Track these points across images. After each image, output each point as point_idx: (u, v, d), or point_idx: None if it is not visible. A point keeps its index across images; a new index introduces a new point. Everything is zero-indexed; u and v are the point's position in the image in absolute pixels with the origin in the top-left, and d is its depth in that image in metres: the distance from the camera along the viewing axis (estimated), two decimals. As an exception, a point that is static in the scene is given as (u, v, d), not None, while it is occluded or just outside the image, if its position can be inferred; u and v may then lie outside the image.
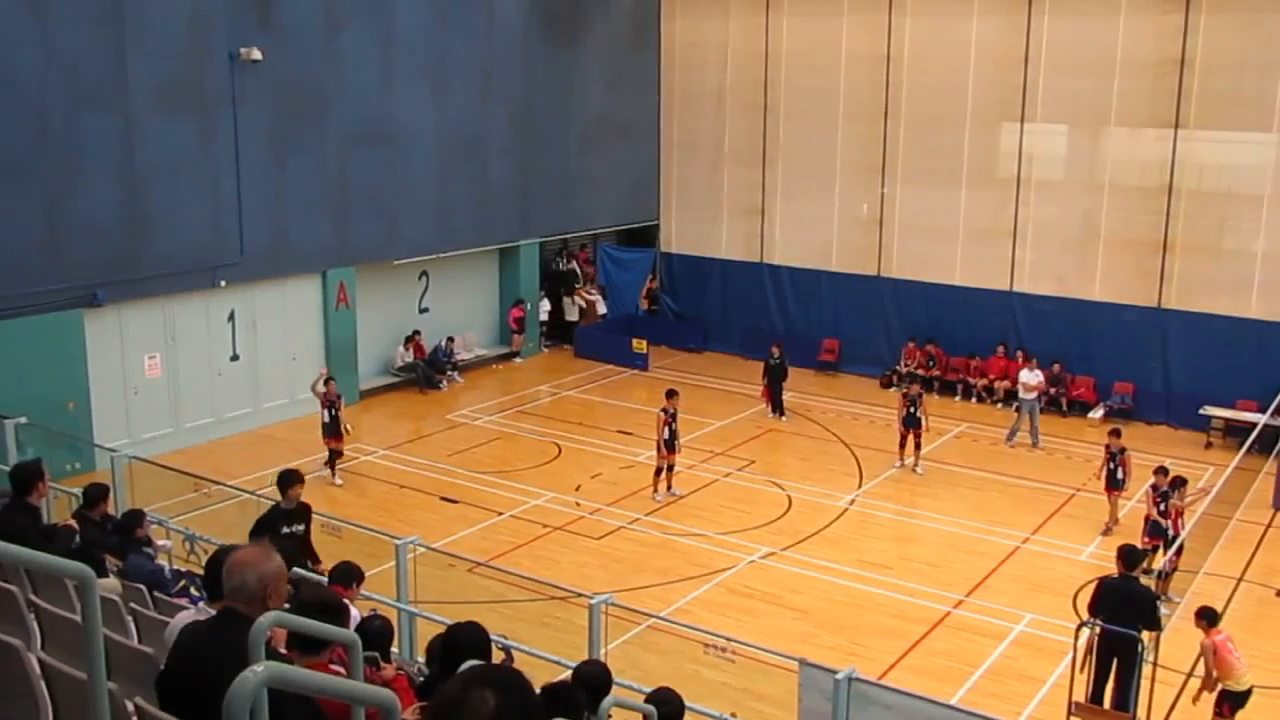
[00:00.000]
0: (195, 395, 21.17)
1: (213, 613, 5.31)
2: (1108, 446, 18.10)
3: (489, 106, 26.31)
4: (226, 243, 21.11)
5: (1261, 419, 18.67)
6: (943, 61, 26.04)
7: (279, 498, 12.01)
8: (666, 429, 18.93)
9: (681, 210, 30.45)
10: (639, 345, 27.68)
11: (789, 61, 27.99)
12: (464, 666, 4.99)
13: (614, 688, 8.37)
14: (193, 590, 9.81)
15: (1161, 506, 15.96)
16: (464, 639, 5.77)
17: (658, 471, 19.11)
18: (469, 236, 26.43)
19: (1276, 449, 19.54)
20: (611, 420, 23.42)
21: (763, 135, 28.59)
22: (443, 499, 18.66)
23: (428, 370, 25.41)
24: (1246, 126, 23.49)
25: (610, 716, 7.04)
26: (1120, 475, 17.76)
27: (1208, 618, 11.67)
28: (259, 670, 3.34)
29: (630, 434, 22.36)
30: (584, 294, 30.66)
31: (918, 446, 20.79)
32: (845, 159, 27.64)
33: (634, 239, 31.27)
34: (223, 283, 21.17)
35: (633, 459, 20.94)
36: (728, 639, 10.75)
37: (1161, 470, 16.42)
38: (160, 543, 11.99)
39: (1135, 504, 17.84)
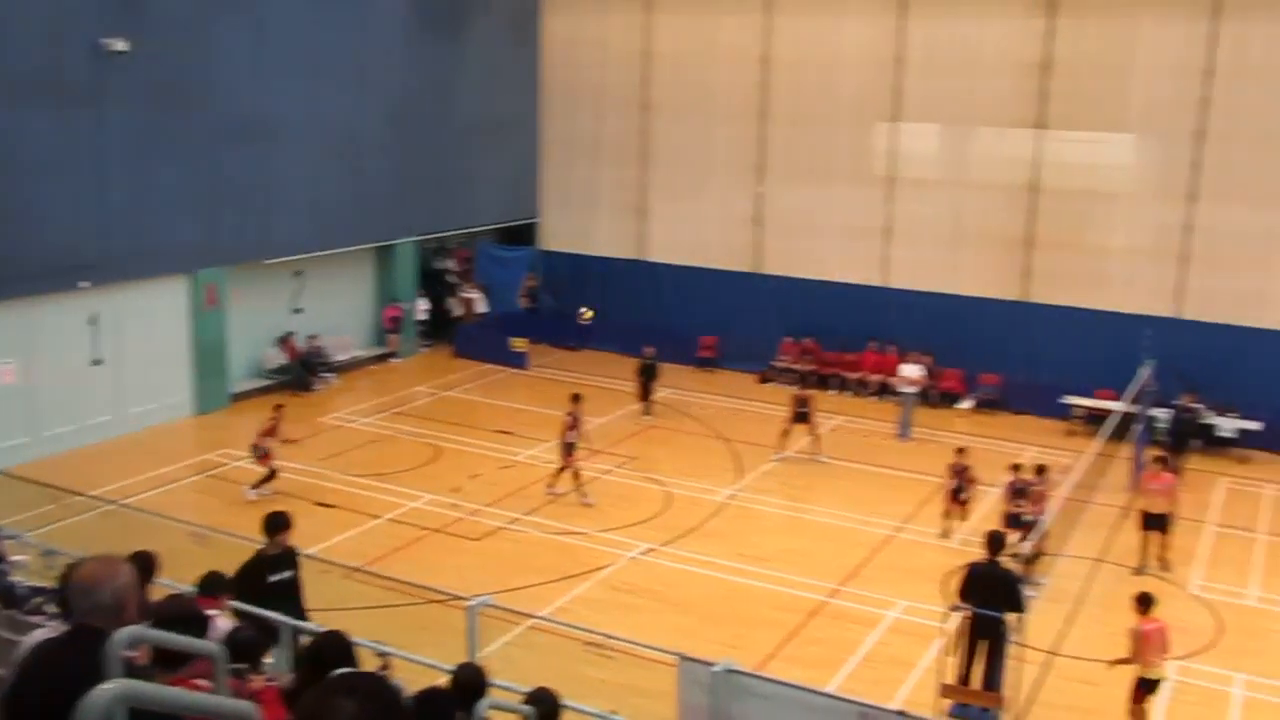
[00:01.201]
0: (55, 402, 20.25)
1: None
2: (953, 465, 18.11)
3: (365, 102, 25.87)
4: (87, 242, 20.30)
5: (1118, 407, 19.40)
6: (817, 62, 26.55)
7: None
8: (573, 433, 18.91)
9: (561, 208, 30.45)
10: (518, 344, 27.58)
11: (668, 60, 28.22)
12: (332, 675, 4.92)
13: (492, 690, 8.36)
14: (50, 607, 9.45)
15: (1019, 501, 16.53)
16: (326, 648, 5.68)
17: (575, 475, 19.03)
18: (344, 235, 25.98)
19: (1133, 434, 20.36)
20: (491, 420, 23.29)
21: (642, 133, 28.75)
22: (318, 504, 18.30)
23: (301, 372, 24.92)
24: (1105, 127, 24.45)
25: (488, 718, 7.01)
26: (964, 495, 17.86)
27: (1143, 603, 12.10)
28: (109, 687, 3.24)
29: (510, 433, 22.27)
30: (463, 293, 30.40)
31: (817, 439, 21.46)
32: (723, 157, 27.98)
33: (514, 237, 31.13)
34: (84, 284, 20.36)
35: (512, 459, 20.87)
36: (607, 636, 10.79)
37: (1015, 467, 17.00)
38: (15, 558, 11.51)
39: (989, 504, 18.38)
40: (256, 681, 6.29)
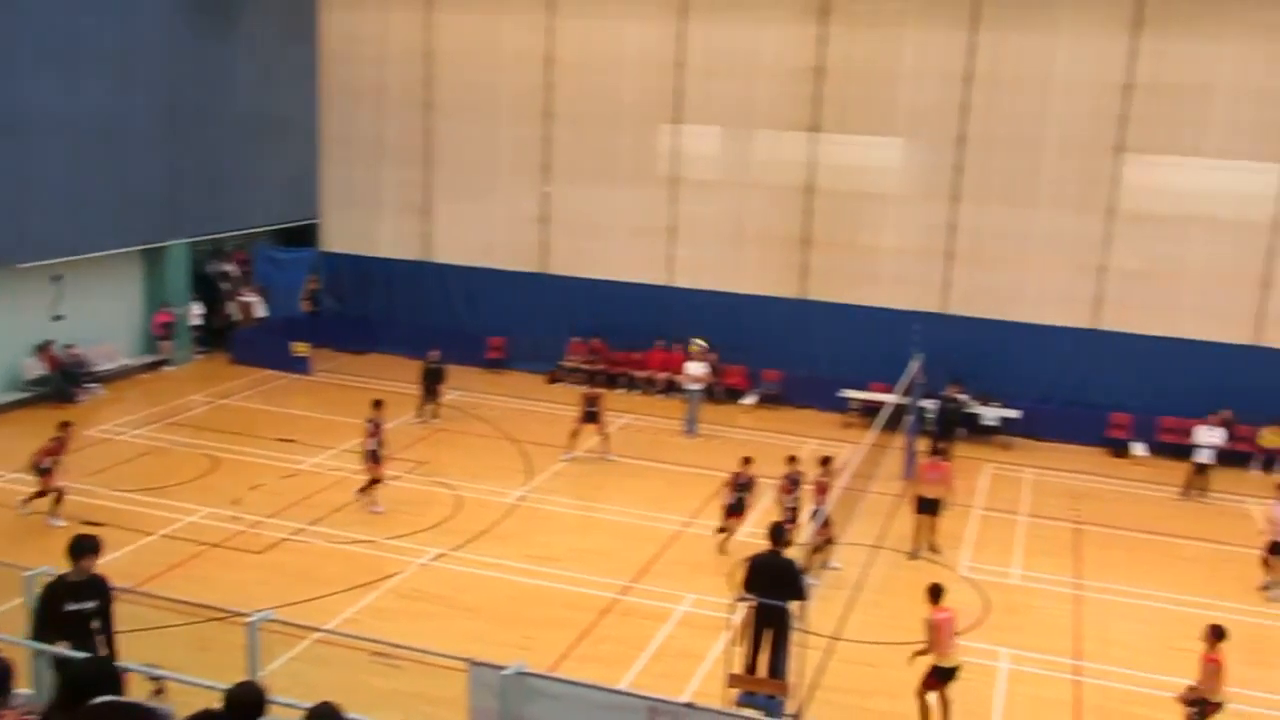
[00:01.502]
0: None
1: None
2: (736, 475, 17.73)
3: (131, 95, 24.49)
4: None
5: (891, 399, 20.31)
6: (601, 63, 26.78)
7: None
8: (374, 440, 18.43)
9: (343, 209, 29.71)
10: (300, 349, 26.76)
11: (450, 59, 27.92)
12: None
13: (274, 708, 8.06)
14: None
15: (794, 493, 17.04)
16: (82, 675, 5.36)
17: (370, 482, 18.53)
18: (108, 237, 24.57)
19: (904, 425, 21.34)
20: (272, 428, 22.50)
21: (426, 133, 28.35)
22: (85, 524, 17.24)
23: (62, 383, 23.48)
24: (875, 131, 25.55)
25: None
26: (744, 506, 17.61)
27: (934, 594, 12.57)
28: None
29: (293, 441, 21.60)
30: (241, 296, 29.26)
31: (605, 438, 21.65)
32: (509, 158, 27.90)
33: (294, 239, 30.18)
34: None
35: (295, 467, 20.24)
36: (395, 645, 10.58)
37: (791, 459, 17.56)
38: None
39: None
40: (8, 716, 5.89)
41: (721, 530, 17.57)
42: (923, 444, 20.62)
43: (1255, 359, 23.35)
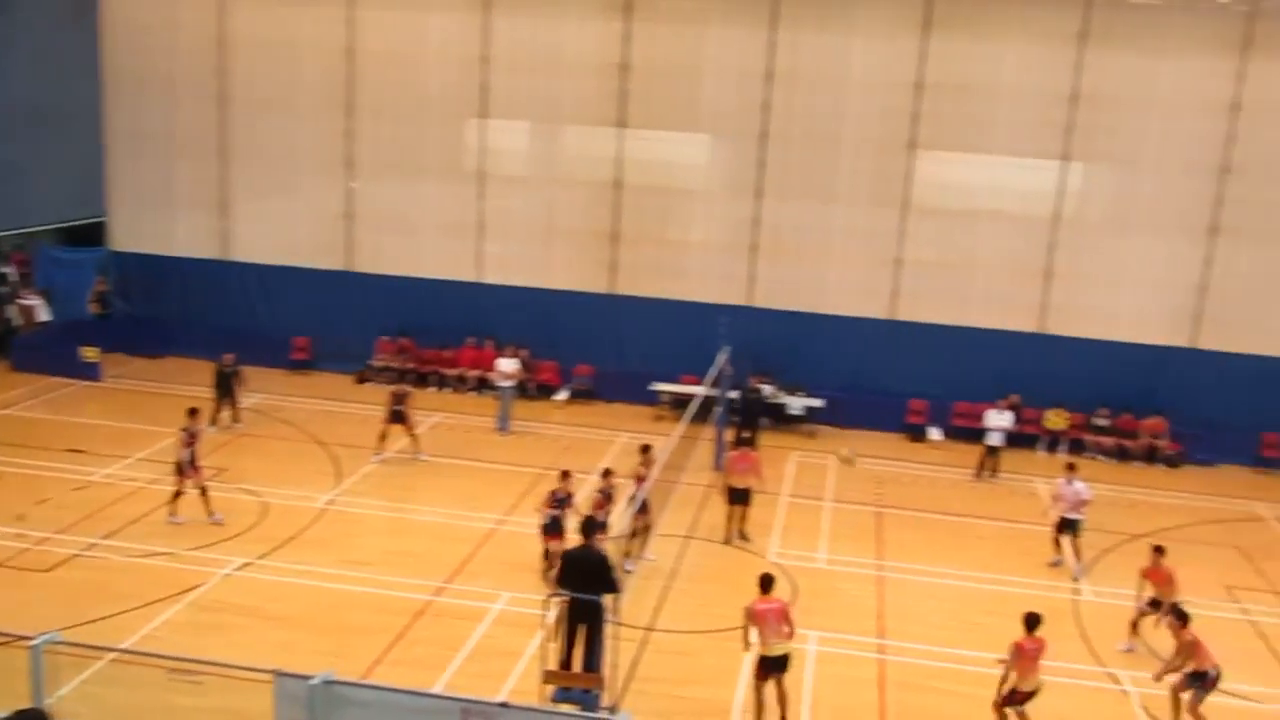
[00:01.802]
0: None
1: None
2: (554, 491, 16.47)
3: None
4: None
5: (700, 391, 20.63)
6: (404, 56, 26.29)
7: None
8: (188, 450, 17.58)
9: (133, 206, 28.27)
10: (89, 354, 25.39)
11: (244, 49, 26.88)
12: None
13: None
14: None
15: (607, 507, 16.54)
16: None
17: (177, 494, 17.65)
18: None
19: (713, 416, 21.76)
20: (59, 439, 21.25)
21: (221, 126, 27.25)
22: None
23: None
24: (680, 127, 25.89)
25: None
26: (561, 527, 16.38)
27: (763, 585, 12.69)
28: None
29: (82, 452, 20.48)
30: (21, 299, 27.55)
31: (415, 437, 21.34)
32: (311, 153, 27.10)
33: (79, 238, 28.57)
34: None
35: (86, 479, 19.21)
36: (195, 661, 10.16)
37: (606, 473, 16.99)
38: None
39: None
40: None
41: (547, 556, 16.19)
42: (730, 435, 21.03)
43: (1039, 346, 24.72)
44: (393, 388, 22.05)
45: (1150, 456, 24.16)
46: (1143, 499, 21.93)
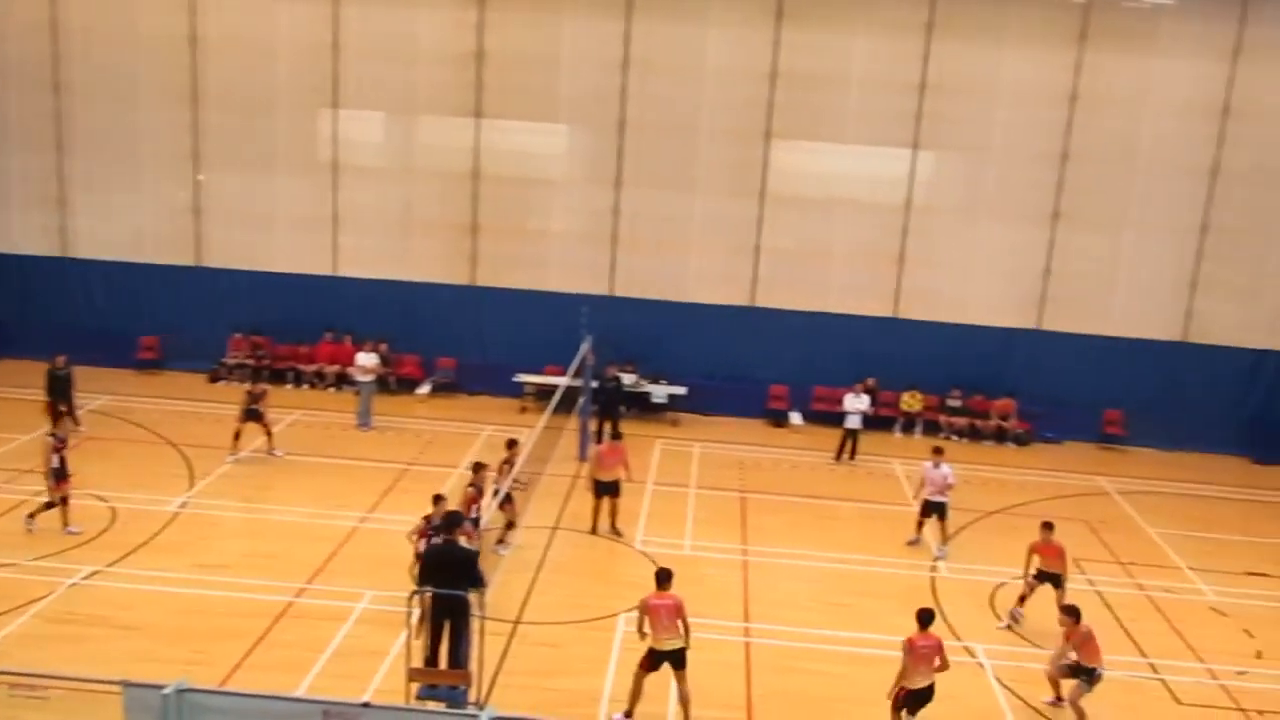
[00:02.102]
0: None
1: None
2: (428, 518, 15.17)
3: None
4: None
5: (564, 381, 20.59)
6: (250, 44, 25.52)
7: None
8: (56, 456, 16.76)
9: (-37, 201, 26.83)
10: (-81, 357, 24.07)
11: (79, 36, 25.70)
12: None
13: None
14: None
15: (479, 503, 16.35)
16: None
17: (49, 505, 16.81)
18: None
19: (576, 407, 21.75)
20: (-113, 446, 20.12)
21: (56, 116, 26.02)
22: None
23: None
24: (537, 117, 25.72)
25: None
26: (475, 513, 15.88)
27: (659, 580, 12.69)
28: None
29: (-88, 459, 19.41)
30: None
31: (270, 435, 20.84)
32: (154, 144, 26.10)
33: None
34: None
35: (-83, 488, 18.20)
36: (37, 675, 9.70)
37: (477, 466, 16.38)
38: None
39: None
40: None
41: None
42: (594, 425, 21.02)
43: (894, 330, 25.36)
44: (247, 386, 21.44)
45: (1001, 436, 25.04)
46: (994, 476, 22.70)
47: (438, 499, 15.42)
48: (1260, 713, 13.93)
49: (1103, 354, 25.06)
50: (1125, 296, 25.17)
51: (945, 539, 18.27)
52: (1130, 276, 25.11)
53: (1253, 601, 17.36)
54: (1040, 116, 24.56)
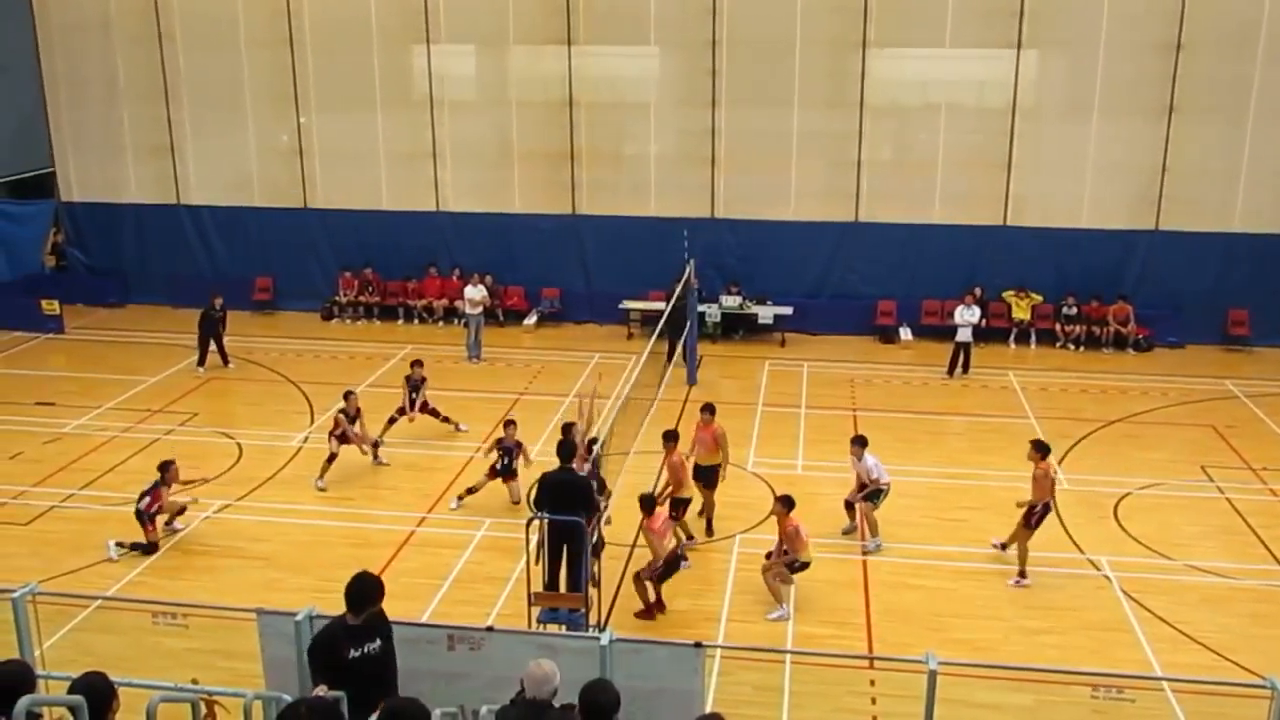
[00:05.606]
0: None
1: None
2: (500, 440, 16.33)
3: None
4: None
5: (668, 307, 20.53)
6: (342, -16, 25.63)
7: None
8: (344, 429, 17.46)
9: (79, 154, 27.68)
10: (49, 306, 25.02)
11: (181, -13, 26.15)
12: None
13: (49, 683, 7.61)
14: None
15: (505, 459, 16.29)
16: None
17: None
18: None
19: (685, 332, 21.68)
20: (27, 392, 21.02)
21: (162, 67, 26.58)
22: None
23: None
24: (629, 40, 25.41)
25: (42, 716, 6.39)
26: (512, 470, 16.34)
27: (786, 503, 13.27)
28: None
29: (52, 404, 20.28)
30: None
31: (447, 419, 19.31)
32: (256, 88, 26.53)
33: (27, 190, 28.00)
34: None
35: (59, 431, 19.03)
36: (178, 605, 10.16)
37: (509, 423, 16.68)
38: None
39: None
40: None
41: (471, 491, 16.24)
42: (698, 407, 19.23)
43: (1004, 238, 24.67)
44: (408, 372, 19.28)
45: (1119, 342, 24.34)
46: (1114, 384, 22.12)
47: (509, 424, 16.56)
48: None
49: (1226, 252, 24.04)
50: (1248, 190, 24.00)
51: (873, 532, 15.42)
52: (1253, 169, 23.90)
53: (1390, 503, 16.73)
54: (1150, 4, 23.40)
